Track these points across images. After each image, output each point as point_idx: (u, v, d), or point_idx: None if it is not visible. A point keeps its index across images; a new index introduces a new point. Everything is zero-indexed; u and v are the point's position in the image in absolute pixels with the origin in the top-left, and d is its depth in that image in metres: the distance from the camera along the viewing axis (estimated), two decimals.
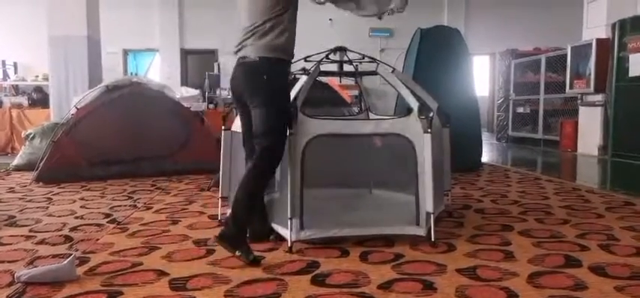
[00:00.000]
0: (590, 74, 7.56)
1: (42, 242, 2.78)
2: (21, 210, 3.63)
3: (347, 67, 3.38)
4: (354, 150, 3.63)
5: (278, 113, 2.45)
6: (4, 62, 10.31)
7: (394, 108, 5.89)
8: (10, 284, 2.09)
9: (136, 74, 11.38)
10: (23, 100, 8.75)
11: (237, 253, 2.31)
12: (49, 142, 5.07)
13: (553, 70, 9.18)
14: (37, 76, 9.69)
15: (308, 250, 2.56)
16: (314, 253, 2.51)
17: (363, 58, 3.31)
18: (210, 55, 12.07)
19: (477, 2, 12.81)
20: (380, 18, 2.97)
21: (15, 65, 10.60)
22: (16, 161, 5.89)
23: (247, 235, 2.47)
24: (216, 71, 10.86)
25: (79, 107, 5.24)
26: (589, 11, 7.88)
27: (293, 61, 2.59)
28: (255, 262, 2.31)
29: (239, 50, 2.50)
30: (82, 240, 2.80)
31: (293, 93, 2.85)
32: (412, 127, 2.67)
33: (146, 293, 2.01)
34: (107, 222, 3.25)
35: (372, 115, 3.84)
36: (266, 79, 2.41)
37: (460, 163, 4.79)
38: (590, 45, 7.55)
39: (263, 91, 2.43)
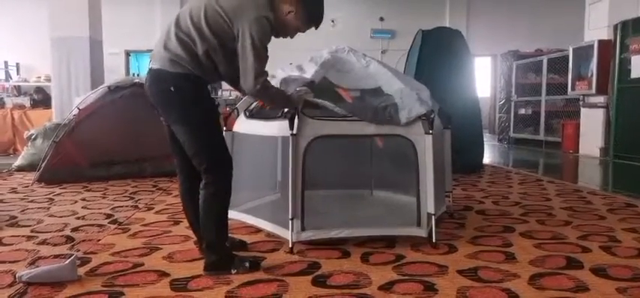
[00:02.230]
0: (591, 75, 7.55)
1: (43, 242, 2.79)
2: (22, 211, 3.64)
3: None
4: (356, 151, 3.63)
5: (201, 127, 2.19)
6: (6, 63, 10.34)
7: None
8: (12, 285, 2.09)
9: (138, 75, 11.40)
10: (25, 101, 8.76)
11: (234, 271, 2.21)
12: (51, 143, 5.07)
13: (555, 72, 9.17)
14: (39, 77, 9.71)
15: (309, 251, 2.55)
16: (315, 254, 2.51)
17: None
18: None
19: (478, 4, 12.81)
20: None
21: (17, 66, 10.64)
22: (18, 161, 5.90)
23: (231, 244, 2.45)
24: None
25: (81, 108, 5.24)
26: (591, 13, 7.87)
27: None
28: (255, 266, 2.29)
29: (154, 53, 2.23)
30: (83, 241, 2.81)
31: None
32: (413, 128, 2.66)
33: (147, 293, 2.01)
34: (108, 223, 3.25)
35: None
36: (174, 91, 2.14)
37: (461, 164, 4.80)
38: (591, 46, 7.54)
39: (174, 107, 2.17)
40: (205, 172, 2.22)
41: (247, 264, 2.26)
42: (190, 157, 2.24)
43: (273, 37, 2.27)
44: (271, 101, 2.50)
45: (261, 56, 2.14)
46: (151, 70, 2.24)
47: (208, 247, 2.26)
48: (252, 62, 2.12)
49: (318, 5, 2.37)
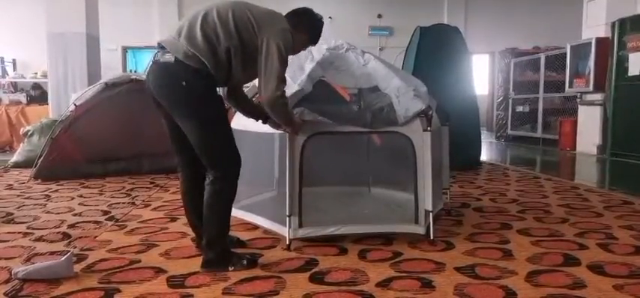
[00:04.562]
0: (589, 73, 7.55)
1: (40, 239, 2.78)
2: (19, 207, 3.62)
3: None
4: (353, 148, 3.62)
5: (212, 124, 2.17)
6: (2, 59, 10.27)
7: None
8: (8, 281, 2.09)
9: (136, 71, 11.37)
10: (22, 97, 8.73)
11: (231, 268, 2.21)
12: (48, 139, 5.05)
13: (552, 69, 9.18)
14: (35, 73, 9.65)
15: (306, 248, 2.55)
16: (312, 251, 2.50)
17: None
18: None
19: (476, 1, 12.80)
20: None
21: (14, 62, 10.56)
22: (15, 158, 5.89)
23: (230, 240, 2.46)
24: None
25: (77, 104, 5.22)
26: (588, 10, 7.87)
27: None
28: (252, 263, 2.28)
29: (167, 43, 2.16)
30: (79, 237, 2.80)
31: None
32: (412, 125, 2.66)
33: (144, 290, 2.00)
34: (105, 220, 3.24)
35: None
36: (185, 86, 2.09)
37: (459, 161, 4.79)
38: (589, 44, 7.55)
39: (185, 102, 2.12)
40: (213, 169, 2.21)
41: (245, 261, 2.26)
42: (199, 154, 2.22)
43: None
44: (281, 114, 2.32)
45: (285, 64, 2.19)
46: (157, 62, 2.17)
47: (208, 244, 2.25)
48: (278, 67, 2.15)
49: (320, 28, 2.51)
